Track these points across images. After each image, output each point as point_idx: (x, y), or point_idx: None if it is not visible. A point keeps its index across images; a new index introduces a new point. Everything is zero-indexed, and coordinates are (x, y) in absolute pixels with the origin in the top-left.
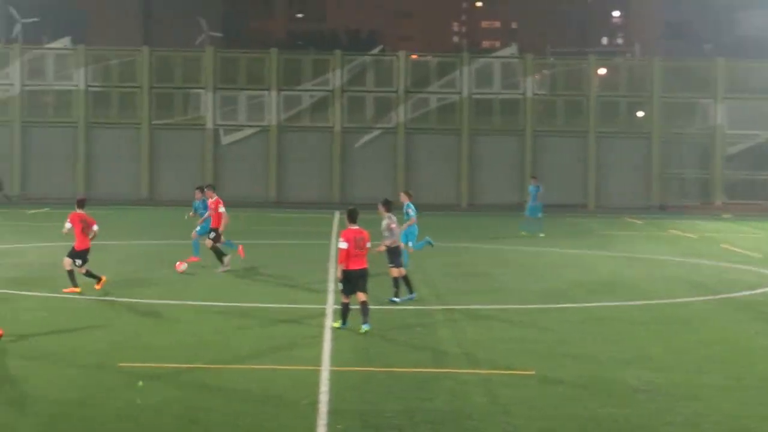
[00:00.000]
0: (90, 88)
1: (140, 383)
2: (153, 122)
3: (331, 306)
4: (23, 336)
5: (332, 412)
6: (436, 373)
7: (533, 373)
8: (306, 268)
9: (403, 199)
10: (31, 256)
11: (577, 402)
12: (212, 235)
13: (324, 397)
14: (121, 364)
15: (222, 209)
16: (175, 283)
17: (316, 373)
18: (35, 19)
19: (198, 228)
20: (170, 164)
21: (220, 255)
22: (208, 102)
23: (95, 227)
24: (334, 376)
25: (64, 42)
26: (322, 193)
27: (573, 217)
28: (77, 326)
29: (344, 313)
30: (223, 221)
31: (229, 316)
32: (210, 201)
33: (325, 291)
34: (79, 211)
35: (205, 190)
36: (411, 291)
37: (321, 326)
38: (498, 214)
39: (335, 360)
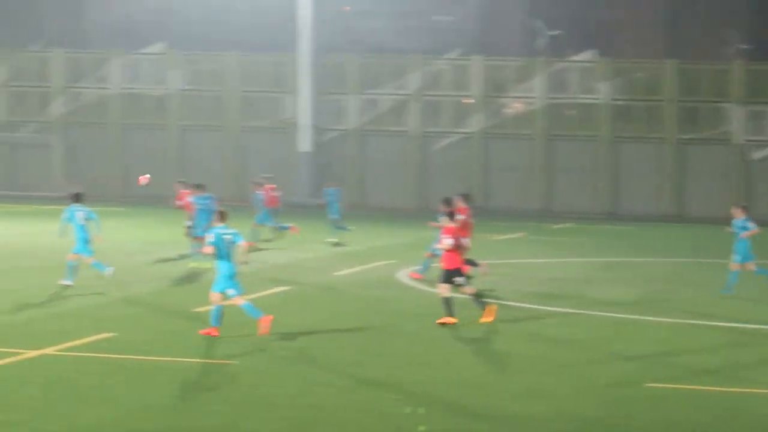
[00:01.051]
0: (613, 102)
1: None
2: (678, 136)
3: None
4: (534, 346)
5: None
6: None
7: None
8: None
9: (737, 214)
10: (556, 272)
11: None
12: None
13: None
14: (648, 384)
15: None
16: (700, 302)
17: None
18: (559, 32)
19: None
20: (697, 180)
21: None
22: (735, 116)
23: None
24: None
25: (589, 55)
26: None
27: None
28: (596, 341)
29: None
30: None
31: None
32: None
33: None
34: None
35: (455, 200)
36: None
37: None
38: None
39: None
